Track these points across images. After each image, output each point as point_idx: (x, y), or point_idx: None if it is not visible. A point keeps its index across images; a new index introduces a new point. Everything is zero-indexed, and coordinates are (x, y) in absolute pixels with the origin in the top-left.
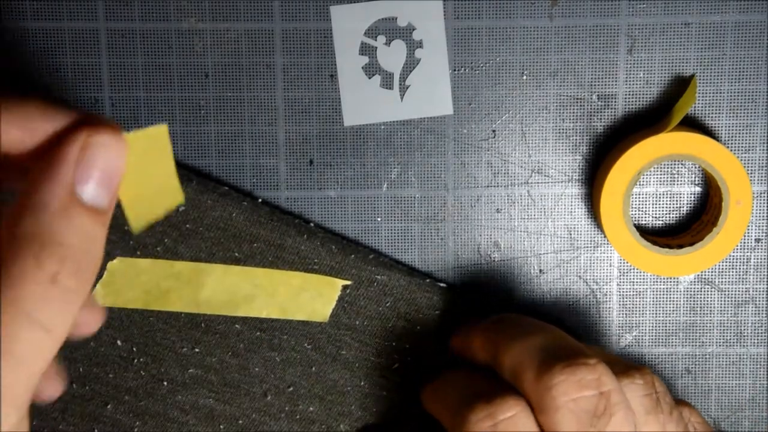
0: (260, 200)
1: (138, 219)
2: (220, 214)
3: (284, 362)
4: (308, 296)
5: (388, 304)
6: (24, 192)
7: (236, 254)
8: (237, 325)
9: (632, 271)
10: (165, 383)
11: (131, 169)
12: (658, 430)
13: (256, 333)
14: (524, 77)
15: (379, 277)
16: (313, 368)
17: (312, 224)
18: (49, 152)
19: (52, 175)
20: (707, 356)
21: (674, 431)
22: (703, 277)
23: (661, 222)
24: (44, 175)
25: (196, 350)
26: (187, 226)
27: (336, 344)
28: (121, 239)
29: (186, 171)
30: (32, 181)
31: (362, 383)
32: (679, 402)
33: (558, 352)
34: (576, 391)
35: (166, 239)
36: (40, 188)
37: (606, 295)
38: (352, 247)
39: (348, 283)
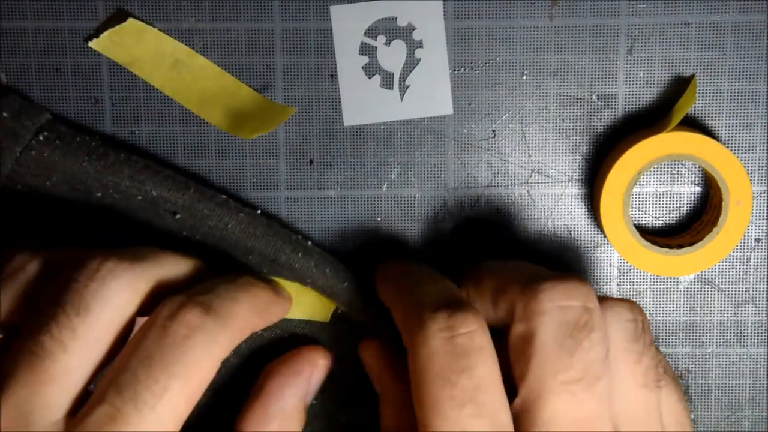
0: (259, 211)
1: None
2: (216, 224)
3: None
4: (310, 297)
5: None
6: (267, 391)
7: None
8: None
9: (632, 271)
10: None
11: None
12: (635, 360)
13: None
14: (524, 77)
15: (368, 308)
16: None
17: (310, 242)
18: (292, 361)
19: (294, 385)
20: (707, 356)
21: (649, 365)
22: (703, 277)
23: (661, 222)
24: (289, 384)
25: None
26: (184, 233)
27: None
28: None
29: (184, 178)
30: (277, 386)
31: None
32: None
33: (548, 273)
34: (563, 298)
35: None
36: (285, 394)
37: (606, 295)
38: (348, 274)
39: (339, 310)
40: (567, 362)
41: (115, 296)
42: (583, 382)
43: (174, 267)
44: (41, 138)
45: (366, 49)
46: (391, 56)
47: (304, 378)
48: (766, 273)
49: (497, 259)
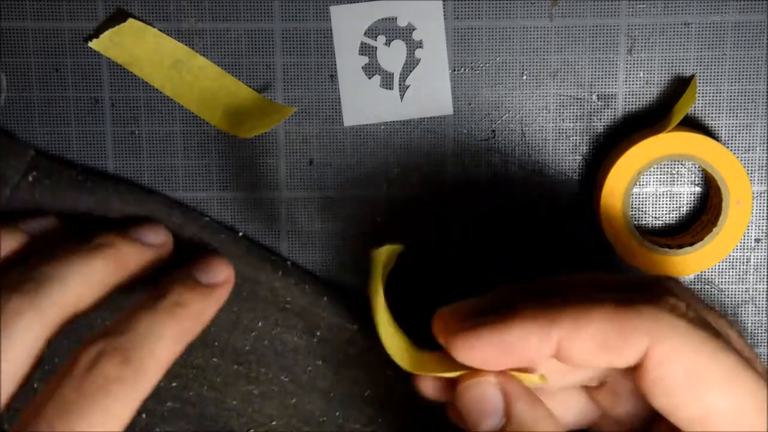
0: (240, 234)
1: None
2: (197, 246)
3: (262, 395)
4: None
5: (360, 347)
6: None
7: None
8: (215, 359)
9: (632, 271)
10: (143, 415)
11: None
12: None
13: (233, 366)
14: (524, 77)
15: (350, 326)
16: (293, 400)
17: (289, 263)
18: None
19: None
20: None
21: None
22: (703, 277)
23: (661, 222)
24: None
25: (173, 384)
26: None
27: (311, 374)
28: None
29: (169, 202)
30: None
31: (337, 413)
32: None
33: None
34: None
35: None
36: None
37: None
38: (326, 290)
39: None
40: None
41: (21, 335)
42: None
43: (83, 284)
44: (30, 179)
45: (366, 49)
46: (391, 56)
47: None
48: (766, 273)
49: (496, 264)
